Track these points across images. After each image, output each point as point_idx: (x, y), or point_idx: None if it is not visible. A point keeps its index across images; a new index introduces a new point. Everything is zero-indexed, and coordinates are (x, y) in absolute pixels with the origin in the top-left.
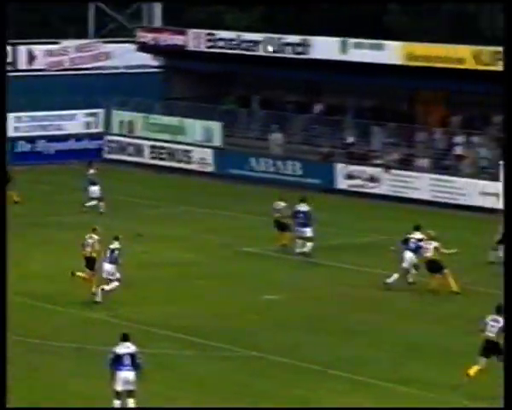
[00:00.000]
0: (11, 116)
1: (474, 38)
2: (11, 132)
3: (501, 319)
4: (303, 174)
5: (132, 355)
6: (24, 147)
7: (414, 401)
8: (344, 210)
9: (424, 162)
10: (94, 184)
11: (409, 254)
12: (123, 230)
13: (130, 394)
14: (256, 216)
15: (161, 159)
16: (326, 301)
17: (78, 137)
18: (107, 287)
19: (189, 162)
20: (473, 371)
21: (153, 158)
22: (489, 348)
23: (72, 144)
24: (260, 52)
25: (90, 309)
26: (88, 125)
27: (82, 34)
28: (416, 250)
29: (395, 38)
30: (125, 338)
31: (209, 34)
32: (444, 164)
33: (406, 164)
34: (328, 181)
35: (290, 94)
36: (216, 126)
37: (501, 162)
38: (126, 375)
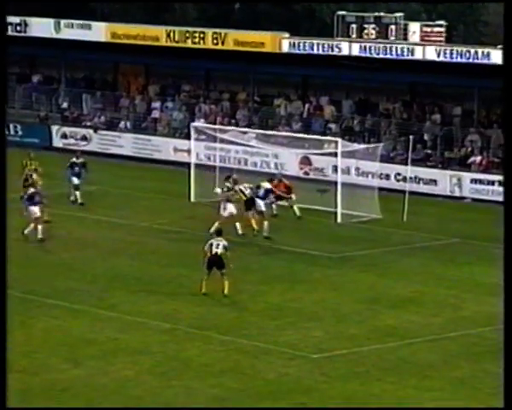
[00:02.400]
0: None
1: (166, 19)
2: None
3: (223, 239)
4: (24, 134)
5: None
6: None
7: (120, 324)
8: (60, 165)
9: (127, 124)
10: None
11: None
12: None
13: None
14: None
15: None
16: (45, 242)
17: None
18: None
19: None
20: (204, 287)
21: None
22: (213, 261)
23: None
24: None
25: None
26: None
27: None
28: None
29: (101, 19)
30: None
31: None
32: (143, 125)
33: (112, 125)
34: (46, 140)
35: (12, 67)
36: None
37: (191, 124)
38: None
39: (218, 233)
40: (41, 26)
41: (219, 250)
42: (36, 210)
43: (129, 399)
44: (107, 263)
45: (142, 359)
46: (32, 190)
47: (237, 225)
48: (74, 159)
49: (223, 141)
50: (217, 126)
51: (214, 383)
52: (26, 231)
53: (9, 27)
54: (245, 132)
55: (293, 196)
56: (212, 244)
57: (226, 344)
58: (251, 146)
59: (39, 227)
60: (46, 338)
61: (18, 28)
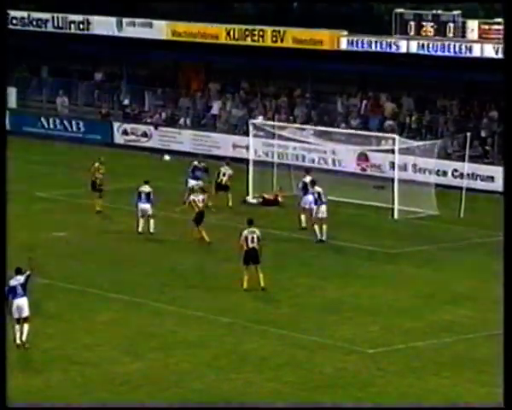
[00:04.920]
0: None
1: (227, 17)
2: None
3: (255, 230)
4: (86, 131)
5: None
6: None
7: (179, 318)
8: (121, 161)
9: (187, 121)
10: None
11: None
12: None
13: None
14: (46, 166)
15: None
16: (106, 236)
17: None
18: None
19: None
20: (246, 282)
21: None
22: (250, 256)
23: None
24: (49, 28)
25: None
26: None
27: None
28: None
29: (162, 17)
30: (17, 272)
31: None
32: (203, 122)
33: (172, 122)
34: (107, 137)
35: (75, 64)
36: (11, 91)
37: (249, 120)
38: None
39: (250, 222)
40: (103, 25)
41: (255, 244)
42: (147, 207)
43: (188, 392)
44: (167, 257)
45: (201, 352)
46: (147, 188)
47: (302, 217)
48: (196, 162)
49: (281, 137)
50: (275, 123)
51: (271, 376)
52: (140, 229)
53: (72, 26)
54: (303, 129)
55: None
56: (247, 238)
57: (283, 338)
58: (309, 142)
59: (151, 221)
60: (107, 331)
61: (81, 26)
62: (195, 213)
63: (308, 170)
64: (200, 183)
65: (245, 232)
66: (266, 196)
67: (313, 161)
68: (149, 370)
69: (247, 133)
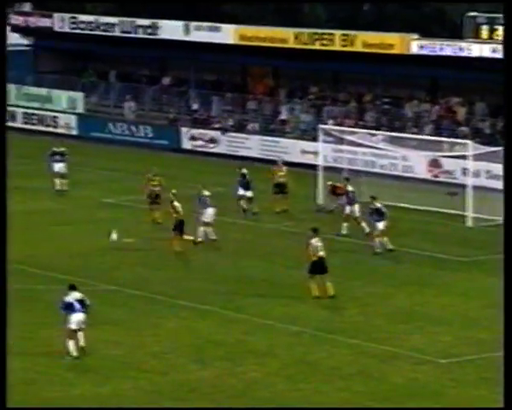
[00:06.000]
0: None
1: (295, 22)
2: None
3: (319, 239)
4: (153, 136)
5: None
6: None
7: (248, 326)
8: (188, 167)
9: (255, 126)
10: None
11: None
12: None
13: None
14: (113, 172)
15: (32, 124)
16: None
17: None
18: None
19: (56, 127)
20: (315, 290)
21: (25, 123)
22: (318, 265)
23: None
24: (116, 33)
25: None
26: None
27: None
28: None
29: (230, 21)
30: (71, 288)
31: (72, 17)
32: (271, 127)
33: (240, 127)
34: (174, 142)
35: (142, 69)
36: (79, 96)
37: (318, 125)
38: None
39: (315, 231)
40: (171, 29)
41: (323, 253)
42: (211, 212)
43: (256, 401)
44: (235, 264)
45: (270, 361)
46: (206, 192)
47: (344, 224)
48: (245, 170)
49: (350, 143)
50: (345, 128)
51: (342, 386)
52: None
53: (140, 30)
54: (373, 134)
55: None
56: (317, 247)
57: (354, 348)
58: (379, 148)
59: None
60: (175, 339)
61: (148, 31)
62: (176, 221)
63: (348, 179)
64: (249, 193)
65: (313, 241)
66: (337, 184)
67: (383, 166)
68: (217, 378)
69: (315, 139)
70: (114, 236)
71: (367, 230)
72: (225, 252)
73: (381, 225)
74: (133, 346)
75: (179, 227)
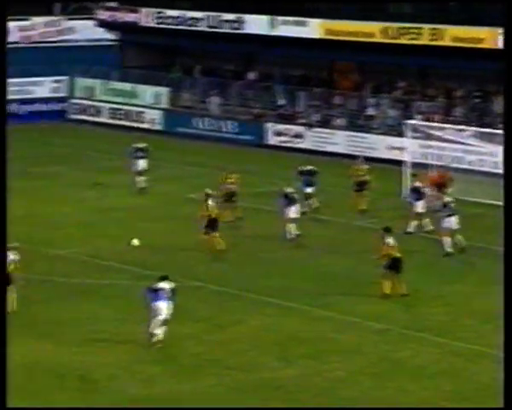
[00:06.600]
0: None
1: (381, 16)
2: None
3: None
4: (238, 132)
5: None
6: None
7: (333, 324)
8: (273, 162)
9: (341, 121)
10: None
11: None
12: (83, 179)
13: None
14: (198, 167)
15: (118, 119)
16: (258, 240)
17: (46, 101)
18: None
19: (141, 122)
20: (388, 288)
21: (110, 118)
22: (396, 263)
23: (41, 106)
24: (201, 27)
25: (52, 247)
26: (54, 90)
27: (49, 12)
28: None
29: (316, 16)
30: (162, 279)
31: (158, 12)
32: (357, 123)
33: (326, 123)
34: (259, 138)
35: (227, 64)
36: (164, 91)
37: (405, 121)
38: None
39: (388, 230)
40: (256, 24)
41: (398, 252)
42: (296, 209)
43: (340, 400)
44: (321, 261)
45: (355, 359)
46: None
47: (412, 222)
48: (309, 167)
49: (438, 139)
50: (433, 124)
51: (428, 385)
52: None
53: (226, 25)
54: (462, 130)
55: None
56: (392, 246)
57: (441, 346)
58: (467, 144)
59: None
60: (258, 336)
61: (234, 25)
62: (208, 220)
63: (415, 175)
64: (310, 189)
65: (389, 240)
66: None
67: (471, 163)
68: (302, 376)
69: (402, 134)
70: (136, 241)
71: (430, 227)
72: (309, 249)
73: (419, 206)
74: (216, 343)
75: (212, 226)
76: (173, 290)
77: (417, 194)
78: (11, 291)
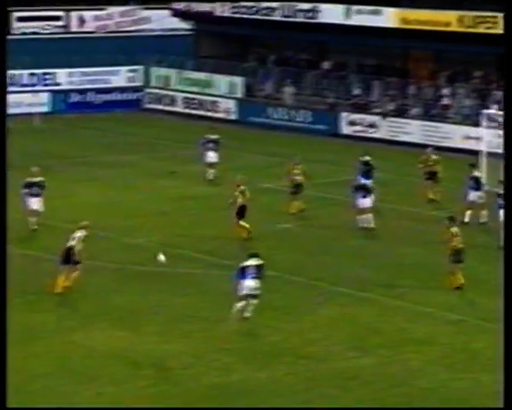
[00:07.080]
0: (66, 71)
1: (457, 4)
2: (65, 85)
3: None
4: (313, 121)
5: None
6: (76, 97)
7: (408, 314)
8: (347, 152)
9: (416, 111)
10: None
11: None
12: (158, 168)
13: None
14: (272, 157)
15: (192, 108)
16: (332, 229)
17: (121, 90)
18: None
19: (216, 111)
20: (460, 279)
21: (185, 107)
22: (459, 254)
23: (116, 96)
24: (276, 17)
25: (128, 236)
26: (130, 79)
27: (125, 2)
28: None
29: (391, 5)
30: (252, 256)
31: (233, 2)
32: (432, 112)
33: (400, 112)
34: (334, 127)
35: (302, 53)
36: (239, 81)
37: (482, 111)
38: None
39: (452, 219)
40: (331, 13)
41: (461, 243)
42: (367, 202)
43: (416, 390)
44: (395, 251)
45: (430, 349)
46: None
47: (467, 212)
48: (367, 157)
49: None
50: None
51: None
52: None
53: (300, 14)
54: None
55: None
56: (457, 236)
57: None
58: None
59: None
60: (332, 326)
61: (309, 15)
62: (239, 207)
63: (473, 165)
64: (368, 182)
65: (454, 230)
66: None
67: None
68: (377, 366)
69: (477, 124)
70: (162, 257)
71: (485, 219)
72: (384, 239)
73: (476, 196)
74: (291, 332)
75: (241, 212)
76: (260, 267)
77: (475, 183)
78: (73, 270)
